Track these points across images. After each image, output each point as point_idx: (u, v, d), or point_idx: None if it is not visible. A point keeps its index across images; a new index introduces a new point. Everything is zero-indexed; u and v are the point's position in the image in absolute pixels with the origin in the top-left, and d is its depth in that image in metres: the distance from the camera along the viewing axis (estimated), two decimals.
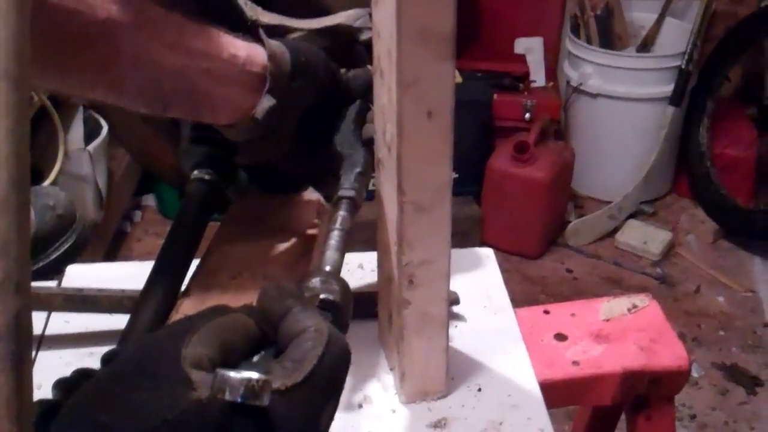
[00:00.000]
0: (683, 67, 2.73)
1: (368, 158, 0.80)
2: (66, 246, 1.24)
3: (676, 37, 2.87)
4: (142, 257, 2.53)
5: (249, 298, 0.81)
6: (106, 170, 2.32)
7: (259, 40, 0.78)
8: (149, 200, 2.81)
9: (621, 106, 2.80)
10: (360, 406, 0.82)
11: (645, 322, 0.94)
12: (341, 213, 0.73)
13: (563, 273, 2.62)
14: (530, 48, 3.04)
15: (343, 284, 0.64)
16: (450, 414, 0.81)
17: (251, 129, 0.76)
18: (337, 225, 0.72)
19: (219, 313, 0.45)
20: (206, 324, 0.43)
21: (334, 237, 0.71)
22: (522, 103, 2.81)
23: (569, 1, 2.99)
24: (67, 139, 2.09)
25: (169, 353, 0.41)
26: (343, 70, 0.87)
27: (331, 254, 0.69)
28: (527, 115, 2.79)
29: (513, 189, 2.58)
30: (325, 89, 0.82)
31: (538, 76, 3.01)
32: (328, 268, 0.67)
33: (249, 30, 0.81)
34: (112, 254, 2.49)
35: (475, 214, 2.65)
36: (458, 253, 1.03)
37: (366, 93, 0.84)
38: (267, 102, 0.75)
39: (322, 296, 0.62)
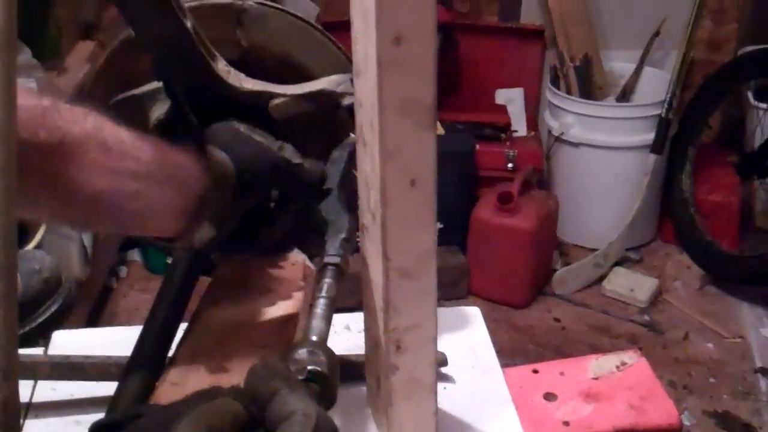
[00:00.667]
0: (663, 115, 2.77)
1: (353, 224, 0.81)
2: (53, 309, 1.24)
3: (655, 85, 2.91)
4: (129, 313, 2.52)
5: (235, 363, 0.81)
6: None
7: (202, 148, 0.75)
8: (135, 255, 2.81)
9: (603, 154, 2.83)
10: None
11: (634, 379, 0.95)
12: (327, 280, 0.74)
13: (551, 322, 2.62)
14: (511, 99, 3.08)
15: (330, 354, 0.64)
16: None
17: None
18: (323, 293, 0.72)
19: (206, 398, 0.45)
20: (194, 410, 0.43)
21: (320, 305, 0.71)
22: (504, 153, 2.83)
23: (548, 52, 3.04)
24: None
25: None
26: (299, 161, 0.87)
27: (317, 323, 0.69)
28: (510, 165, 2.82)
29: (498, 239, 2.59)
30: (273, 191, 0.81)
31: (519, 126, 3.04)
32: (314, 338, 0.67)
33: (193, 135, 0.80)
34: (98, 310, 2.48)
35: (461, 264, 2.66)
36: (445, 313, 1.03)
37: (319, 186, 0.85)
38: (206, 232, 0.74)
39: (309, 368, 0.62)
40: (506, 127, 2.94)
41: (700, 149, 2.95)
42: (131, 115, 0.98)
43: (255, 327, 0.88)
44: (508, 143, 2.90)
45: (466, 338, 1.00)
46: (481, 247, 2.64)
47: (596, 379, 0.95)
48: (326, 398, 0.62)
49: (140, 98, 0.97)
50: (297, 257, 1.01)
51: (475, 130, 2.87)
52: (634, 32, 3.00)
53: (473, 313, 1.05)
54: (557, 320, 2.63)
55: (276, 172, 0.82)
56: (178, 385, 0.78)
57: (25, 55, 2.09)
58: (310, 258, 1.02)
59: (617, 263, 2.84)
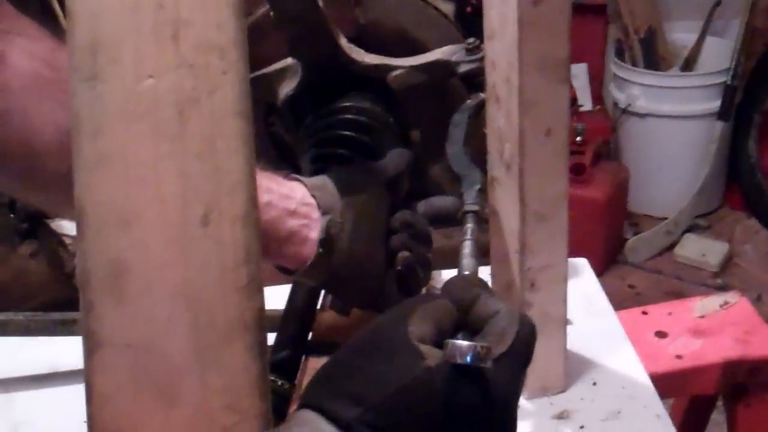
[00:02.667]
0: (729, 82, 2.80)
1: (484, 177, 0.88)
2: None
3: (718, 54, 2.93)
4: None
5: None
6: None
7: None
8: None
9: (670, 124, 2.87)
10: None
11: (738, 316, 1.01)
12: (469, 225, 0.81)
13: (626, 289, 2.67)
14: (575, 74, 3.12)
15: (484, 284, 0.72)
16: (571, 406, 0.88)
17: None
18: (468, 236, 0.80)
19: (427, 300, 0.53)
20: (421, 307, 0.51)
21: (467, 246, 0.78)
22: (573, 127, 2.88)
23: (611, 26, 3.07)
24: None
25: (398, 332, 0.49)
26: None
27: (467, 261, 0.77)
28: (578, 138, 2.86)
29: (572, 209, 2.64)
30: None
31: (585, 101, 3.09)
32: (467, 272, 0.75)
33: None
34: None
35: None
36: None
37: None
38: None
39: None
40: (573, 102, 2.99)
41: (765, 115, 2.97)
42: (262, 92, 1.07)
43: None
44: (575, 118, 2.95)
45: (578, 286, 1.07)
46: None
47: (702, 317, 1.02)
48: None
49: (270, 77, 1.06)
50: None
51: None
52: (696, 2, 3.03)
53: (581, 263, 1.12)
54: (632, 287, 2.68)
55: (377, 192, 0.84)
56: (332, 326, 0.86)
57: None
58: None
59: (687, 230, 2.88)
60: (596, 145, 2.72)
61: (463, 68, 1.01)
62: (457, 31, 1.07)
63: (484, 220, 0.83)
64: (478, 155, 0.94)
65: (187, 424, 0.49)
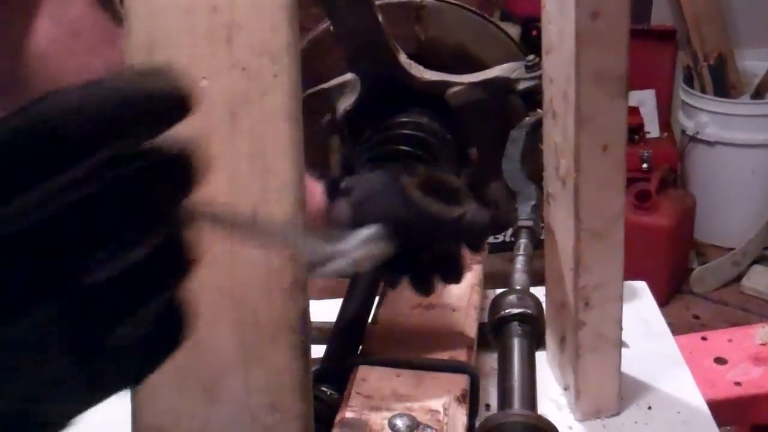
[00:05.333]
0: None
1: (539, 193, 0.88)
2: None
3: None
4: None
5: (432, 323, 0.89)
6: None
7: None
8: None
9: (739, 152, 2.81)
10: None
11: None
12: (522, 240, 0.81)
13: (690, 319, 2.62)
14: (643, 100, 3.08)
15: (536, 299, 0.72)
16: (624, 430, 0.86)
17: None
18: (521, 251, 0.79)
19: None
20: None
21: (519, 262, 0.78)
22: (639, 154, 2.85)
23: (681, 52, 3.03)
24: None
25: None
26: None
27: (519, 276, 0.76)
28: (644, 165, 2.83)
29: (636, 237, 2.60)
30: None
31: (652, 127, 3.05)
32: (519, 287, 0.74)
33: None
34: None
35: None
36: None
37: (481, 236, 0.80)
38: None
39: (519, 310, 0.70)
40: (639, 128, 2.95)
41: None
42: (320, 107, 1.08)
43: (443, 293, 0.95)
44: (641, 144, 2.91)
45: (636, 308, 1.05)
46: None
47: (764, 344, 0.99)
48: (536, 337, 0.69)
49: (329, 92, 1.07)
50: None
51: None
52: (767, 30, 2.98)
53: (640, 286, 1.10)
54: (696, 317, 2.62)
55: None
56: (383, 340, 0.86)
57: None
58: None
59: (755, 261, 2.81)
60: (663, 172, 2.68)
61: (523, 85, 1.01)
62: (518, 49, 1.07)
63: (537, 236, 0.83)
64: (536, 172, 0.93)
65: (228, 421, 0.50)
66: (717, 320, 2.60)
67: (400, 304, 0.93)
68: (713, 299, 2.71)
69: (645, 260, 2.61)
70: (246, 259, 0.50)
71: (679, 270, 2.74)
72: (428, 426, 0.70)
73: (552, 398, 0.91)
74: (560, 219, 0.83)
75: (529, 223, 0.82)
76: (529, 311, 0.69)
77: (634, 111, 3.03)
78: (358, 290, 0.92)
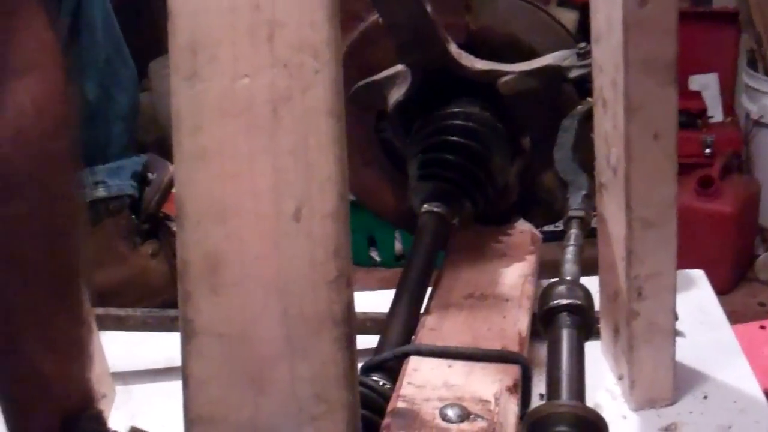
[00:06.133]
0: None
1: (591, 183, 0.87)
2: None
3: None
4: None
5: (484, 314, 0.89)
6: None
7: None
8: None
9: None
10: None
11: None
12: (573, 231, 0.80)
13: (755, 307, 2.56)
14: (705, 84, 3.02)
15: (585, 290, 0.71)
16: (679, 419, 0.85)
17: None
18: (572, 241, 0.79)
19: None
20: None
21: (570, 252, 0.78)
22: (701, 139, 2.79)
23: (744, 35, 2.97)
24: None
25: None
26: None
27: (569, 266, 0.76)
28: (707, 151, 2.77)
29: (699, 224, 2.56)
30: None
31: (715, 112, 2.98)
32: (569, 278, 0.74)
33: None
34: None
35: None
36: None
37: None
38: None
39: (568, 301, 0.69)
40: (702, 113, 2.90)
41: None
42: (371, 99, 1.09)
43: (496, 283, 0.95)
44: (704, 129, 2.85)
45: (694, 297, 1.04)
46: (682, 232, 2.61)
47: None
48: (586, 327, 0.69)
49: (380, 83, 1.07)
50: (524, 226, 1.08)
51: None
52: None
53: (698, 275, 1.08)
54: (762, 305, 2.57)
55: None
56: (435, 330, 0.86)
57: None
58: (536, 226, 1.09)
59: None
60: (726, 158, 2.62)
61: (574, 73, 1.00)
62: (569, 36, 1.06)
63: (588, 226, 0.82)
64: (588, 161, 0.92)
65: (276, 412, 0.51)
66: None
67: (453, 294, 0.93)
68: None
69: (708, 247, 2.57)
70: (291, 254, 0.51)
71: (743, 257, 2.68)
72: (479, 416, 0.70)
73: (607, 388, 0.90)
74: (612, 208, 0.82)
75: (581, 213, 0.82)
76: (578, 302, 0.68)
77: (696, 96, 2.98)
78: (411, 280, 0.92)
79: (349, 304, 0.52)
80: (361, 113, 1.11)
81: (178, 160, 0.52)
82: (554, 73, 1.02)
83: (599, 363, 0.94)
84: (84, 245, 0.72)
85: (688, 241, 2.70)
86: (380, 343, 0.86)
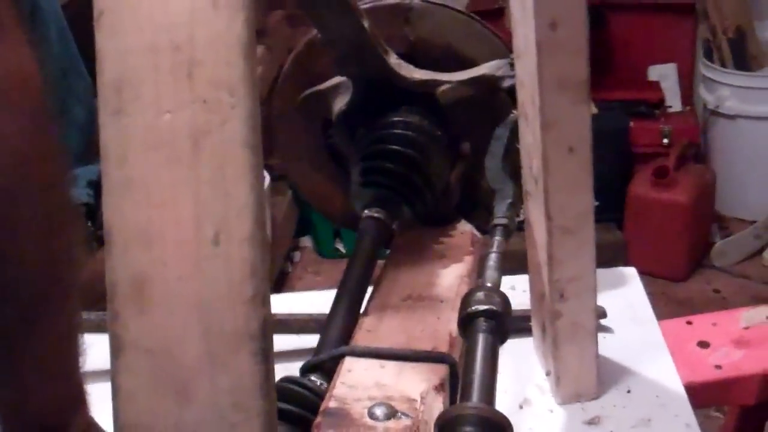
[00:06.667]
0: None
1: (516, 191, 0.92)
2: None
3: None
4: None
5: (420, 315, 0.94)
6: (270, 215, 2.53)
7: None
8: (306, 242, 3.02)
9: (760, 125, 2.81)
10: (521, 407, 0.93)
11: None
12: (497, 238, 0.85)
13: (710, 294, 2.64)
14: (664, 74, 3.09)
15: (503, 297, 0.76)
16: (603, 413, 0.91)
17: None
18: (494, 248, 0.84)
19: None
20: None
21: (492, 258, 0.83)
22: (659, 129, 2.86)
23: (701, 26, 3.03)
24: None
25: None
26: None
27: (490, 273, 0.81)
28: (665, 141, 2.84)
29: (655, 213, 2.63)
30: None
31: (673, 102, 3.05)
32: (489, 284, 0.79)
33: None
34: (277, 291, 2.68)
35: (618, 240, 2.71)
36: (604, 273, 1.13)
37: None
38: None
39: (485, 307, 0.74)
40: (660, 103, 2.97)
41: None
42: (317, 108, 1.13)
43: (433, 285, 1.00)
44: (662, 119, 2.92)
45: (624, 295, 1.09)
46: (638, 222, 2.68)
47: (747, 328, 1.03)
48: (500, 333, 0.74)
49: (324, 93, 1.11)
50: (464, 227, 1.13)
51: (628, 107, 2.91)
52: None
53: (630, 273, 1.14)
54: (717, 291, 2.64)
55: None
56: (372, 331, 0.91)
57: None
58: (477, 228, 1.13)
59: None
60: (681, 148, 2.69)
61: (508, 83, 1.04)
62: (504, 46, 1.10)
63: (512, 233, 0.87)
64: (518, 169, 0.97)
65: (198, 419, 0.55)
66: (738, 294, 2.62)
67: (391, 295, 0.98)
68: (735, 273, 2.72)
69: (664, 236, 2.64)
70: (210, 275, 0.55)
71: (699, 245, 2.76)
72: (405, 414, 0.75)
73: (537, 383, 0.95)
74: (535, 216, 0.87)
75: (504, 221, 0.86)
76: (495, 308, 0.73)
77: (654, 85, 3.04)
78: (350, 283, 0.97)
79: (265, 320, 0.56)
80: (309, 122, 1.16)
81: (106, 189, 0.56)
82: (489, 82, 1.06)
83: (531, 359, 0.99)
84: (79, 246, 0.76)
85: (645, 231, 2.79)
86: (319, 344, 0.91)
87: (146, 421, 0.56)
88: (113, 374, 0.56)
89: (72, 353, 0.76)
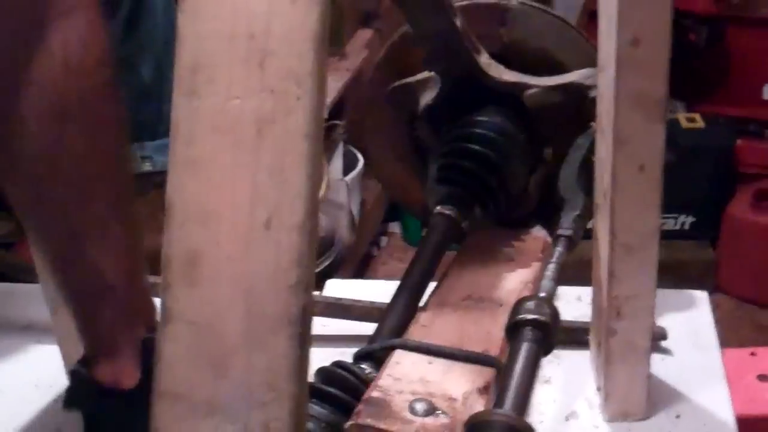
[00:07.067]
0: None
1: (587, 203, 0.91)
2: (325, 263, 1.43)
3: None
4: (387, 278, 2.74)
5: (476, 314, 0.95)
6: (360, 199, 2.55)
7: None
8: (395, 228, 3.04)
9: None
10: (567, 419, 0.93)
11: None
12: (558, 249, 0.85)
13: None
14: None
15: (554, 309, 0.76)
16: None
17: None
18: (554, 259, 0.84)
19: None
20: None
21: (550, 269, 0.83)
22: (766, 149, 2.77)
23: None
24: (329, 171, 2.34)
25: None
26: None
27: (546, 283, 0.81)
28: None
29: (751, 236, 2.55)
30: None
31: None
32: (542, 295, 0.79)
33: None
34: (360, 274, 2.71)
35: (709, 259, 2.64)
36: (674, 294, 1.12)
37: None
38: None
39: (534, 317, 0.75)
40: None
41: None
42: (405, 100, 1.14)
43: (495, 287, 1.01)
44: None
45: (690, 318, 1.07)
46: (732, 243, 2.60)
47: None
48: (546, 344, 0.74)
49: (413, 86, 1.13)
50: (539, 233, 1.13)
51: (737, 125, 2.82)
52: None
53: (700, 296, 1.12)
54: None
55: None
56: (426, 327, 0.92)
57: None
58: (551, 234, 1.13)
59: None
60: None
61: (594, 92, 1.04)
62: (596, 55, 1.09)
63: (575, 246, 0.87)
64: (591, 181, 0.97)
65: (231, 394, 0.58)
66: None
67: (452, 293, 0.99)
68: None
69: (758, 260, 2.56)
70: (259, 258, 0.58)
71: None
72: (444, 412, 0.77)
73: (587, 397, 0.95)
74: (601, 230, 0.87)
75: (569, 232, 0.86)
76: (543, 318, 0.73)
77: (766, 105, 2.94)
78: (413, 276, 0.99)
79: (305, 307, 0.58)
80: (397, 113, 1.17)
81: (172, 166, 0.59)
82: (577, 90, 1.06)
83: (586, 372, 0.99)
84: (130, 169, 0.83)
85: (739, 253, 2.70)
86: (375, 333, 0.93)
87: (183, 391, 0.59)
88: (159, 343, 0.59)
89: (134, 258, 0.81)
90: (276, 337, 0.58)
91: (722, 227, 2.64)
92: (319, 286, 1.23)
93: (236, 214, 0.58)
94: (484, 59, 1.08)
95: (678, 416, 0.92)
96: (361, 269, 2.77)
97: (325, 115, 2.43)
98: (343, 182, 2.39)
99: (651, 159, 0.79)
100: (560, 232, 0.87)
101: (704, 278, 2.64)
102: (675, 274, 2.70)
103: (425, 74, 1.11)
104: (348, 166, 2.48)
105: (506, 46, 1.12)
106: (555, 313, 0.75)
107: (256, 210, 0.58)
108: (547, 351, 0.74)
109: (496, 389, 0.82)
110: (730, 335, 2.52)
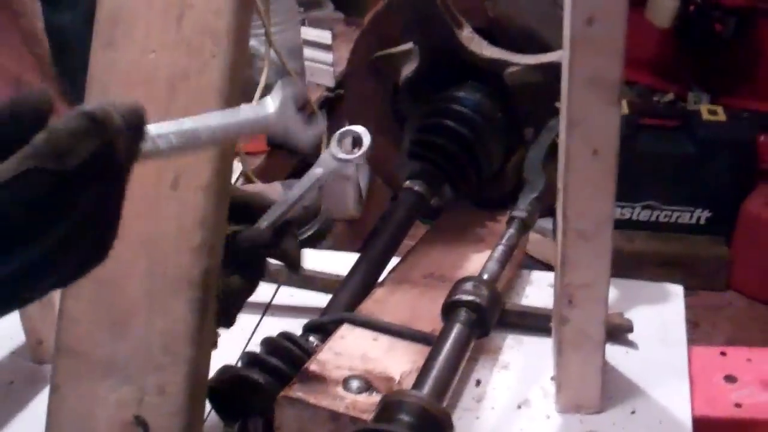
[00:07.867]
0: None
1: (547, 186, 0.89)
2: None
3: None
4: None
5: (433, 293, 0.92)
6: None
7: None
8: None
9: None
10: (519, 407, 0.90)
11: None
12: (510, 231, 0.83)
13: None
14: None
15: (494, 292, 0.74)
16: (600, 429, 0.87)
17: None
18: (504, 241, 0.82)
19: None
20: None
21: (499, 251, 0.81)
22: None
23: None
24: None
25: None
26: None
27: (491, 265, 0.79)
28: None
29: (767, 235, 2.49)
30: None
31: None
32: (485, 277, 0.77)
33: None
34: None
35: (723, 255, 2.58)
36: (648, 286, 1.09)
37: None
38: None
39: (469, 298, 0.73)
40: None
41: None
42: (387, 70, 1.12)
43: (459, 267, 0.98)
44: None
45: (662, 312, 1.04)
46: (748, 241, 2.55)
47: None
48: (481, 327, 0.72)
49: (395, 56, 1.11)
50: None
51: (761, 119, 2.75)
52: None
53: (675, 291, 1.08)
54: None
55: None
56: (380, 302, 0.90)
57: (327, 9, 2.31)
58: None
59: None
60: None
61: None
62: None
63: (529, 229, 0.84)
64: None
65: (129, 356, 0.57)
66: None
67: (414, 270, 0.97)
68: None
69: None
70: (163, 216, 0.56)
71: None
72: (378, 391, 0.75)
73: (542, 386, 0.93)
74: (558, 215, 0.84)
75: (523, 214, 0.84)
76: (479, 301, 0.71)
77: None
78: (373, 250, 0.97)
79: (208, 270, 0.57)
80: (379, 83, 1.15)
81: None
82: (557, 70, 1.02)
83: (546, 360, 0.96)
84: None
85: (754, 251, 2.63)
86: (327, 305, 0.91)
87: (83, 348, 0.58)
88: (61, 299, 0.58)
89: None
90: (176, 300, 0.56)
91: (738, 223, 2.58)
92: None
93: (144, 172, 0.56)
94: (466, 33, 1.05)
95: (633, 412, 0.89)
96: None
97: (332, 83, 2.35)
98: None
99: (605, 143, 0.76)
100: (515, 213, 0.85)
101: (716, 275, 2.59)
102: (686, 270, 2.65)
103: (409, 45, 1.09)
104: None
105: (493, 22, 1.09)
106: (494, 297, 0.72)
107: (163, 168, 0.57)
108: (481, 334, 0.71)
109: None
110: (738, 335, 2.48)
